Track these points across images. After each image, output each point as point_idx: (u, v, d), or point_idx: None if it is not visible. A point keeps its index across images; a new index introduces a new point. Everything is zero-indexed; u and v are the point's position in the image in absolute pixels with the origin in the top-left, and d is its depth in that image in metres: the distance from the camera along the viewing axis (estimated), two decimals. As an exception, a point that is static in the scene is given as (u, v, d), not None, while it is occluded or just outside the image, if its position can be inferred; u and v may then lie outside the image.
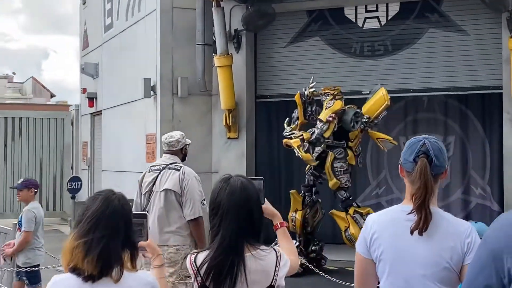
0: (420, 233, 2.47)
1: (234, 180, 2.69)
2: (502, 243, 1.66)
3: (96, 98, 15.28)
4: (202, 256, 2.64)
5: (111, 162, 13.88)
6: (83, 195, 14.72)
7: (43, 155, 18.30)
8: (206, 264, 2.60)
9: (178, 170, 5.70)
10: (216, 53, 10.82)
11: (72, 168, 18.02)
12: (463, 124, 11.63)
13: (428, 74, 10.91)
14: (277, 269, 2.64)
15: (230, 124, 11.10)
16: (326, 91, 9.20)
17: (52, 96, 43.69)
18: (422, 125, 11.94)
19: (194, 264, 2.64)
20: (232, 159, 11.31)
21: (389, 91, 10.00)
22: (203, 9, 10.95)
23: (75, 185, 15.15)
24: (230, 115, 11.08)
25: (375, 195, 12.27)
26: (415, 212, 2.49)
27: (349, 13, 11.35)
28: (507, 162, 9.82)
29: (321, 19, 11.47)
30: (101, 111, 14.89)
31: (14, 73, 51.09)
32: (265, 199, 2.87)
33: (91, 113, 15.72)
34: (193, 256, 2.69)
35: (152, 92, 11.38)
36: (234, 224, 2.59)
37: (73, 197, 15.11)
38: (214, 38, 10.89)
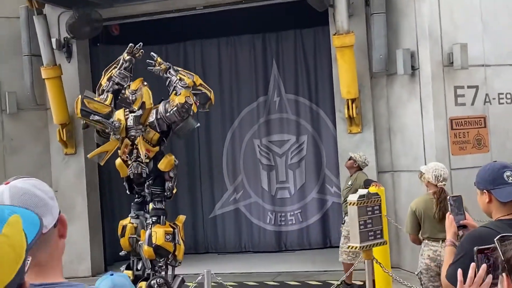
0: None
1: None
2: None
3: None
4: None
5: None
6: None
7: None
8: None
9: None
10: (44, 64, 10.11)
11: None
12: (315, 124, 11.34)
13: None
14: None
15: (65, 139, 10.40)
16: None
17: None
18: (274, 126, 11.60)
19: None
20: (71, 176, 10.61)
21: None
22: (27, 17, 10.26)
23: None
24: (65, 130, 10.38)
25: (233, 201, 11.82)
26: None
27: None
28: (342, 162, 9.51)
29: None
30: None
31: None
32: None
33: None
34: None
35: (-20, 110, 10.55)
36: None
37: None
38: (43, 48, 10.15)
